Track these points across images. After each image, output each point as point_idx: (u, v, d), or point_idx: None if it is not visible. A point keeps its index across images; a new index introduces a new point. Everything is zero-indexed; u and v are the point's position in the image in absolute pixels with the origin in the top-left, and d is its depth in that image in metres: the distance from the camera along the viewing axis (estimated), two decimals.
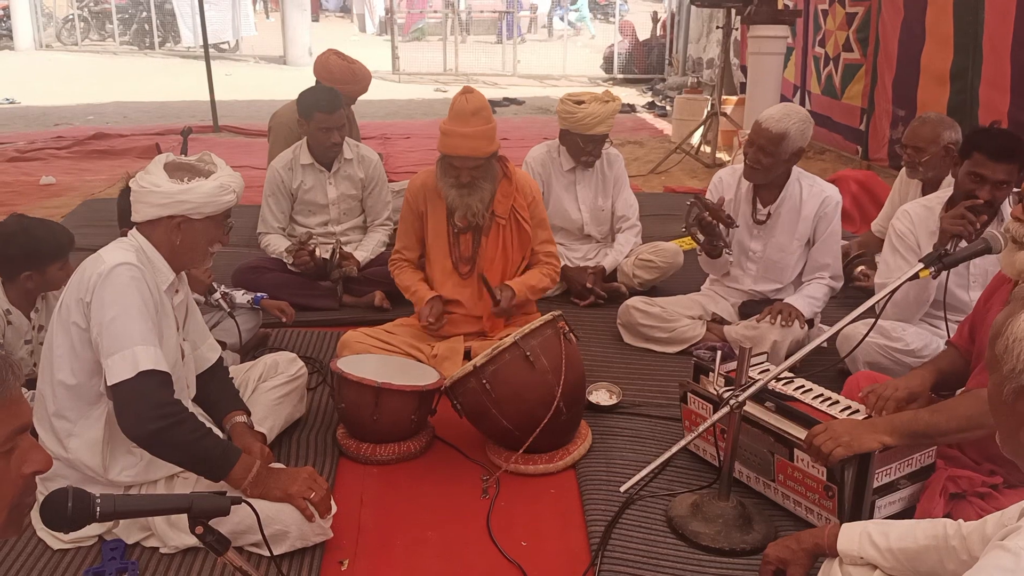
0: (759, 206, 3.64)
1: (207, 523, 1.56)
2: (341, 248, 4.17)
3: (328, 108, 4.12)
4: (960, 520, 1.73)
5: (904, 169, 4.22)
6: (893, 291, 2.34)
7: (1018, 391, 1.36)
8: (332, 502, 2.36)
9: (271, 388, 2.89)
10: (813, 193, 3.56)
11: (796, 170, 3.59)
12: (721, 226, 3.45)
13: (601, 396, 3.24)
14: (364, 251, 4.30)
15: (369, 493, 2.70)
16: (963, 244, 2.90)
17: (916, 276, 2.29)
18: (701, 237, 3.53)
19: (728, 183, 3.71)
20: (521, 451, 2.74)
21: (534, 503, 2.66)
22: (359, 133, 5.40)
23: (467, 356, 3.33)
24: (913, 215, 3.21)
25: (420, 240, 3.57)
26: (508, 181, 3.45)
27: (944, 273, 2.44)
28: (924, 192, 3.99)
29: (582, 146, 4.22)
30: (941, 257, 2.30)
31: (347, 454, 2.89)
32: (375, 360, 3.15)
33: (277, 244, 4.28)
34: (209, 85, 9.43)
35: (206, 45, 9.84)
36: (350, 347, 3.29)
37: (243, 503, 1.66)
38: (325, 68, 4.94)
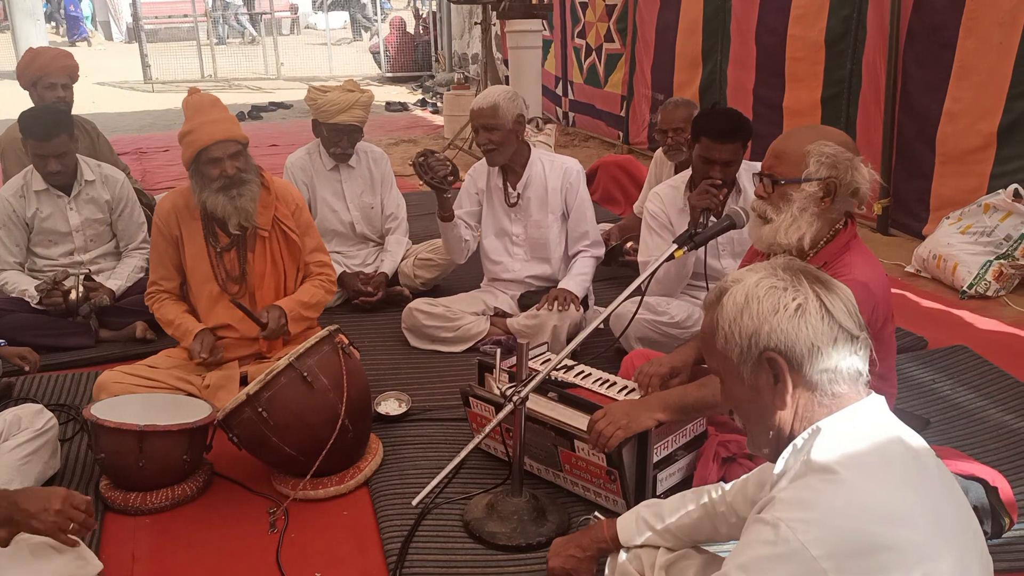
0: (510, 189, 3.76)
1: None
2: (87, 278, 3.79)
3: (42, 135, 3.72)
4: (721, 484, 1.81)
5: (659, 151, 4.45)
6: (655, 271, 2.44)
7: (754, 366, 1.38)
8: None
9: (15, 447, 2.58)
10: (555, 168, 3.74)
11: (536, 152, 3.77)
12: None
13: (390, 406, 3.15)
14: (118, 279, 3.94)
15: (142, 547, 2.45)
16: (712, 218, 3.10)
17: (672, 257, 2.39)
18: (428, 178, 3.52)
19: (479, 175, 3.85)
20: (309, 476, 2.61)
21: (327, 529, 2.54)
22: (110, 148, 4.85)
23: (244, 382, 3.12)
24: (663, 195, 3.45)
25: (178, 267, 3.29)
26: (267, 191, 3.26)
27: (703, 249, 2.59)
28: (677, 172, 4.23)
29: (327, 135, 4.19)
30: (692, 236, 2.42)
31: (113, 507, 2.62)
32: (138, 400, 2.88)
33: (16, 281, 3.83)
34: None
35: None
36: (107, 389, 2.98)
37: None
38: (18, 67, 4.59)
